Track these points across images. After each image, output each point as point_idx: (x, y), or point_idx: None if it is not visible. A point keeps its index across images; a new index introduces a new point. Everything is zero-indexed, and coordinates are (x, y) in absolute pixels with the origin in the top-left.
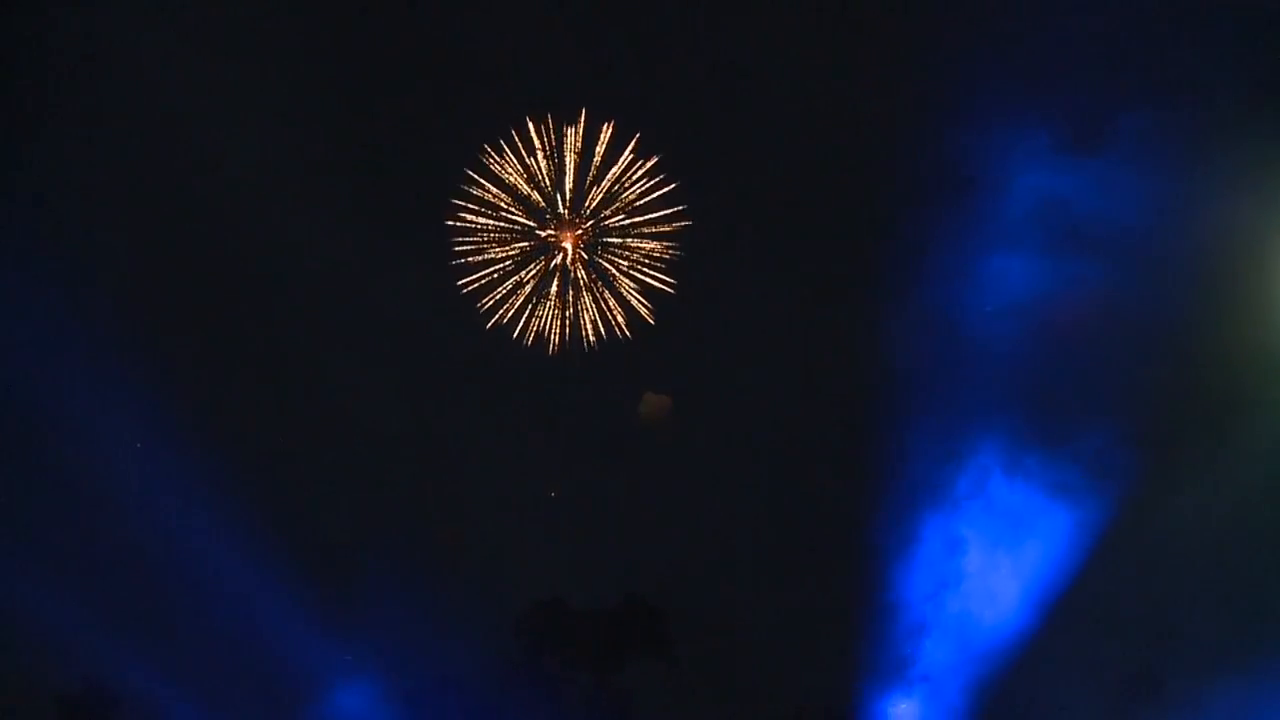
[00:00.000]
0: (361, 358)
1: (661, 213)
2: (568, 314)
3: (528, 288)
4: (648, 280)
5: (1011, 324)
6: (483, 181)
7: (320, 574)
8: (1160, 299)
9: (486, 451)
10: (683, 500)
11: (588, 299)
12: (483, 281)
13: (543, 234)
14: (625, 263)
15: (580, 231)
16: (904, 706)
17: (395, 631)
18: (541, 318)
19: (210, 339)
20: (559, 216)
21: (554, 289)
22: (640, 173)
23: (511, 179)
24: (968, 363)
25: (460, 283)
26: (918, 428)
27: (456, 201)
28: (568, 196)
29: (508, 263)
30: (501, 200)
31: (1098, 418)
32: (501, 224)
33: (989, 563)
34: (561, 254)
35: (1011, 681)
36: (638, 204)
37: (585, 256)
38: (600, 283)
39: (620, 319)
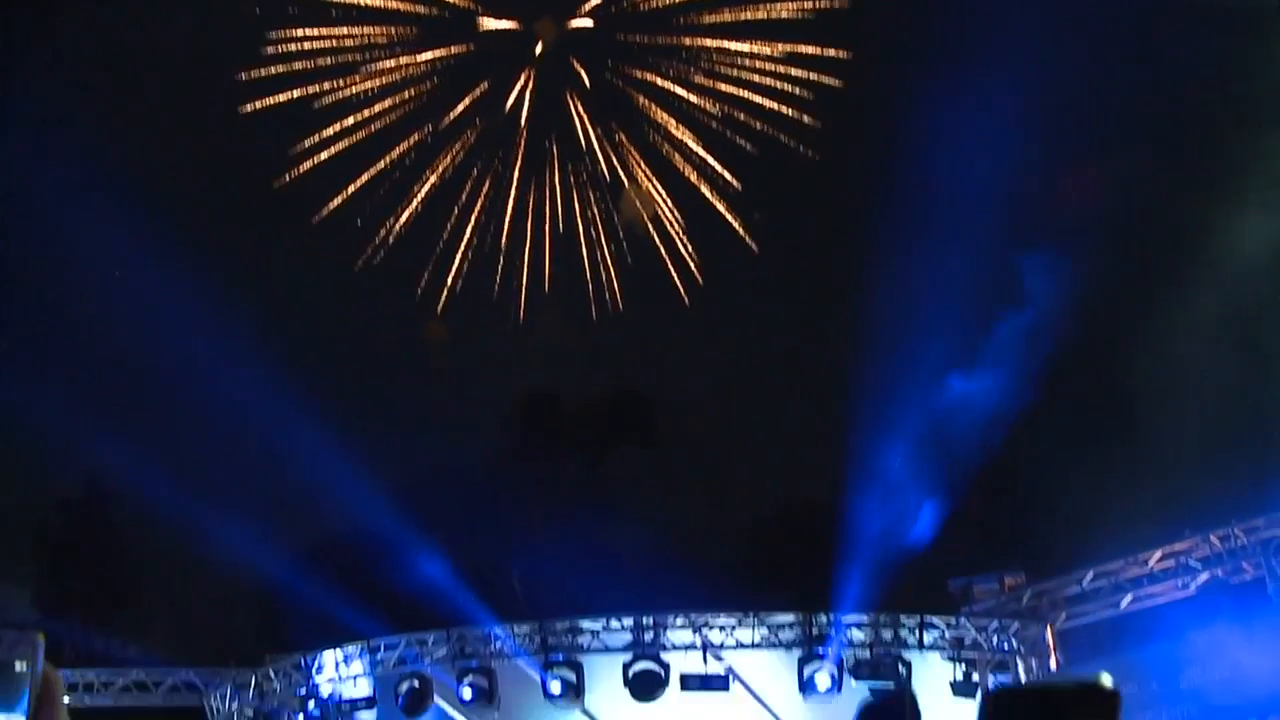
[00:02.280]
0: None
1: None
2: (547, 216)
3: (456, 150)
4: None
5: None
6: None
7: (315, 372)
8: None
9: (477, 245)
10: (674, 293)
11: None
12: (353, 139)
13: (493, 25)
14: (683, 89)
15: (580, 16)
16: None
17: (390, 426)
18: (486, 219)
19: (204, 148)
20: None
21: (517, 155)
22: None
23: None
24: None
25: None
26: (918, 230)
27: None
28: None
29: (408, 94)
30: None
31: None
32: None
33: (985, 356)
34: (533, 68)
35: (1002, 463)
36: None
37: (587, 74)
38: (625, 136)
39: (668, 212)
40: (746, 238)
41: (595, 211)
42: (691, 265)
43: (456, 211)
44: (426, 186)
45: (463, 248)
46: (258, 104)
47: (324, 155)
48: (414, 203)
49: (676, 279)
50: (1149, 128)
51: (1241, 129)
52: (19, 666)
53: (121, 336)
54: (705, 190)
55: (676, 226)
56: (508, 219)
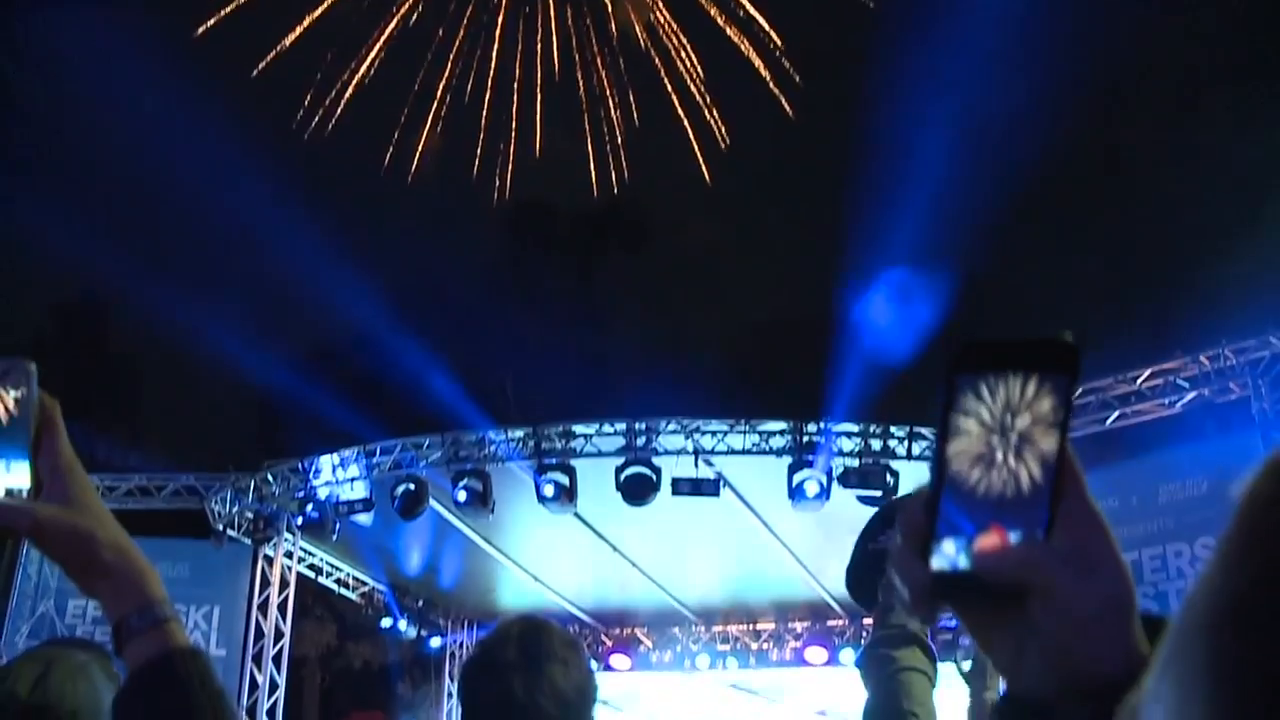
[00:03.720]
0: None
1: None
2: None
3: None
4: None
5: None
6: None
7: (312, 183)
8: None
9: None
10: (671, 105)
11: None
12: None
13: None
14: None
15: None
16: None
17: (386, 234)
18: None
19: None
20: None
21: None
22: None
23: None
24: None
25: None
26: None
27: None
28: None
29: None
30: None
31: None
32: None
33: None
34: None
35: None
36: None
37: None
38: None
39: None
40: (781, 98)
41: (598, 59)
42: (712, 122)
43: (429, 57)
44: (392, 24)
45: (437, 101)
46: None
47: None
48: (379, 45)
49: (696, 146)
50: None
51: None
52: (14, 395)
53: (117, 143)
54: (725, 26)
55: (693, 75)
56: (492, 66)
